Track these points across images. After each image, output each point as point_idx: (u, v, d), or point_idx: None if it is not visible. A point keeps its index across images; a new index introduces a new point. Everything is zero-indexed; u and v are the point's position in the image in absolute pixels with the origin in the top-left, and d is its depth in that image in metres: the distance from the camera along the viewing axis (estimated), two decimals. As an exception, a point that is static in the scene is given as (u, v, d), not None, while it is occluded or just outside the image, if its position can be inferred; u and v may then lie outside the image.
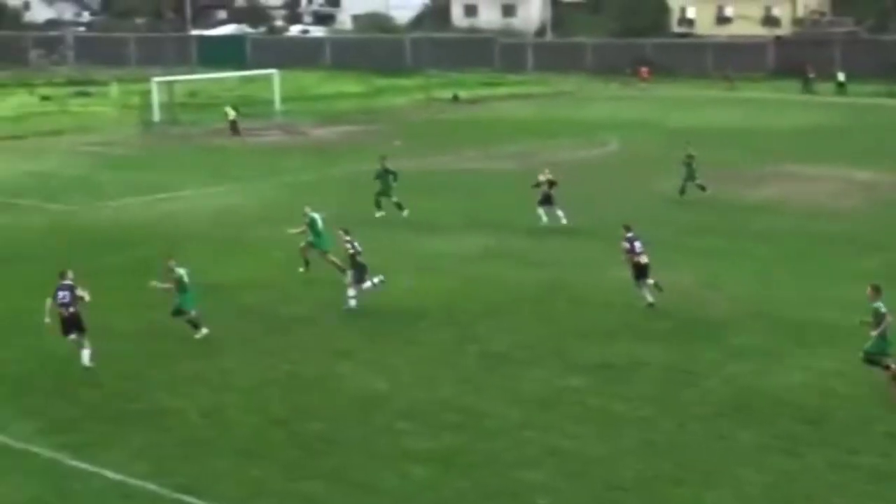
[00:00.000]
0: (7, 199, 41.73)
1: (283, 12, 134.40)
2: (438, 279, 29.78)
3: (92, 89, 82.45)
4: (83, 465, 18.18)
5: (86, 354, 22.56)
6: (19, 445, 18.96)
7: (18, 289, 28.32)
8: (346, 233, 27.15)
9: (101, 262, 31.45)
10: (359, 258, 26.88)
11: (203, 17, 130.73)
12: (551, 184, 35.96)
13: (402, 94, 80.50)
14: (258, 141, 58.60)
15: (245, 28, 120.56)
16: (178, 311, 24.62)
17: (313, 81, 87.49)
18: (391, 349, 24.09)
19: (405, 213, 37.16)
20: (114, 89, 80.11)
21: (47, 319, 22.48)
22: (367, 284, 26.90)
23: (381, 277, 27.26)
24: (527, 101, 76.54)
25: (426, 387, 21.80)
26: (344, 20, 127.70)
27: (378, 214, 37.18)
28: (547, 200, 35.85)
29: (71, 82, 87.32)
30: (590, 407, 20.66)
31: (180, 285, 24.50)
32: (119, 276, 29.68)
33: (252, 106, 69.04)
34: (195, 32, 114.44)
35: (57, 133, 61.36)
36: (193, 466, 18.19)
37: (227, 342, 24.54)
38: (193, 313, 24.63)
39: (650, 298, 26.61)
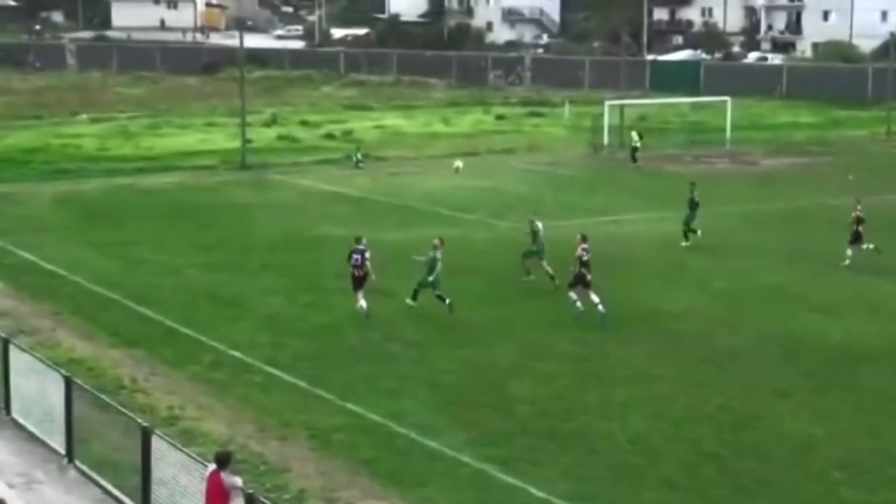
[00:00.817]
0: (457, 213, 43.59)
1: (741, 38, 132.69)
2: (885, 323, 28.27)
3: (545, 110, 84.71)
4: (509, 479, 18.54)
5: (363, 304, 27.62)
6: (451, 454, 19.61)
7: (467, 300, 29.44)
8: (584, 239, 28.23)
9: (543, 281, 32.22)
10: (584, 269, 27.76)
11: (659, 41, 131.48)
12: None
13: (860, 127, 77.32)
14: (704, 169, 58.07)
15: (700, 54, 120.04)
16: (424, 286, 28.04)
17: (766, 110, 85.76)
18: (831, 393, 23.07)
19: (685, 243, 37.56)
20: (566, 111, 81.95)
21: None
22: (573, 296, 27.84)
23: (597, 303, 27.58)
24: None
25: (866, 436, 20.68)
26: (804, 48, 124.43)
27: (683, 244, 37.67)
28: None
29: (525, 102, 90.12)
30: None
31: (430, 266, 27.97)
32: (556, 296, 30.28)
33: (703, 133, 68.57)
34: (650, 57, 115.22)
35: (508, 151, 63.52)
36: (618, 492, 18.12)
37: (660, 370, 24.42)
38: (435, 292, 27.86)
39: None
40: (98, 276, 32.56)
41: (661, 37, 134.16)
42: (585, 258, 28.20)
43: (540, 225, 32.78)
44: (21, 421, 20.22)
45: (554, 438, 20.37)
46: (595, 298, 28.01)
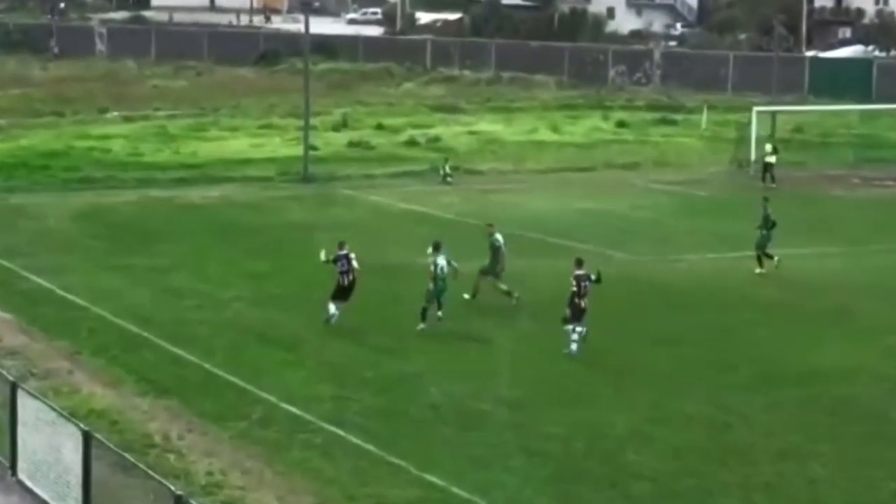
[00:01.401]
0: (567, 241, 43.34)
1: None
2: None
3: (677, 116, 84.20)
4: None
5: (336, 316, 31.06)
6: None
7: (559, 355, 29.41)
8: (579, 264, 29.75)
9: (670, 327, 32.04)
10: (578, 300, 29.18)
11: (821, 34, 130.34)
12: None
13: None
14: (876, 194, 57.32)
15: (873, 50, 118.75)
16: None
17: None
18: None
19: (759, 270, 38.57)
20: (703, 118, 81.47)
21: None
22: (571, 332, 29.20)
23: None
24: None
25: None
26: None
27: (757, 271, 38.55)
28: None
29: (653, 106, 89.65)
30: None
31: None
32: (692, 346, 30.06)
33: (875, 149, 67.74)
34: (810, 54, 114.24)
35: (631, 166, 63.20)
36: None
37: (818, 445, 24.04)
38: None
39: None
40: (126, 308, 32.89)
41: (824, 28, 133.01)
42: (574, 288, 29.37)
43: (500, 238, 34.14)
44: (29, 484, 20.40)
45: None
46: (580, 329, 29.16)
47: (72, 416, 20.47)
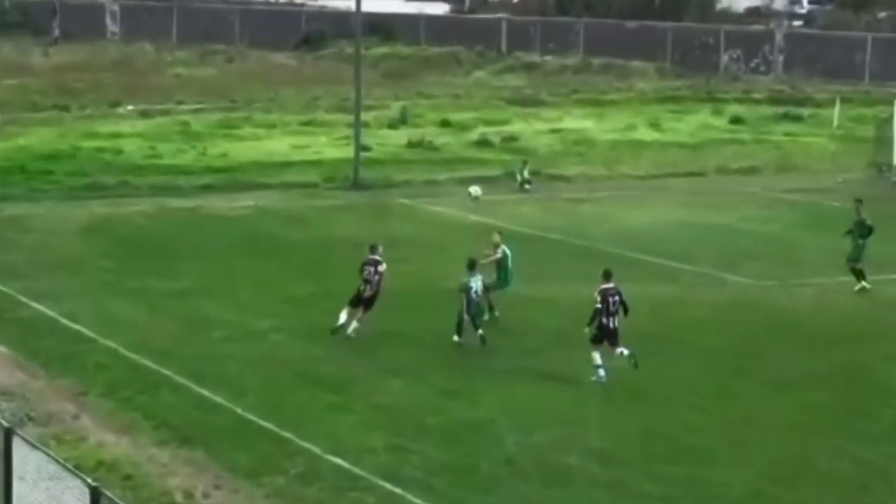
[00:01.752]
0: (670, 261, 43.15)
1: None
2: None
3: (803, 111, 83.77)
4: None
5: (355, 324, 32.71)
6: None
7: (683, 392, 29.30)
8: (607, 277, 30.91)
9: (795, 365, 31.97)
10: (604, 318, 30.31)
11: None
12: None
13: None
14: None
15: None
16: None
17: None
18: None
19: (863, 285, 39.21)
20: (836, 112, 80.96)
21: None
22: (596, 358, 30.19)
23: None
24: None
25: None
26: None
27: (858, 287, 39.25)
28: None
29: (774, 99, 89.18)
30: None
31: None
32: (821, 389, 29.90)
33: None
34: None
35: (749, 171, 62.99)
36: None
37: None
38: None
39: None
40: (142, 340, 33.04)
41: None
42: (599, 304, 30.18)
43: (507, 251, 35.33)
44: (26, 549, 20.49)
45: None
46: (621, 351, 30.10)
47: (77, 468, 20.52)
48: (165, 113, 77.23)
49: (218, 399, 28.75)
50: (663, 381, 29.58)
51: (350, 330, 33.02)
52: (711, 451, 26.45)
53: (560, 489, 24.31)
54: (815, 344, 34.28)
